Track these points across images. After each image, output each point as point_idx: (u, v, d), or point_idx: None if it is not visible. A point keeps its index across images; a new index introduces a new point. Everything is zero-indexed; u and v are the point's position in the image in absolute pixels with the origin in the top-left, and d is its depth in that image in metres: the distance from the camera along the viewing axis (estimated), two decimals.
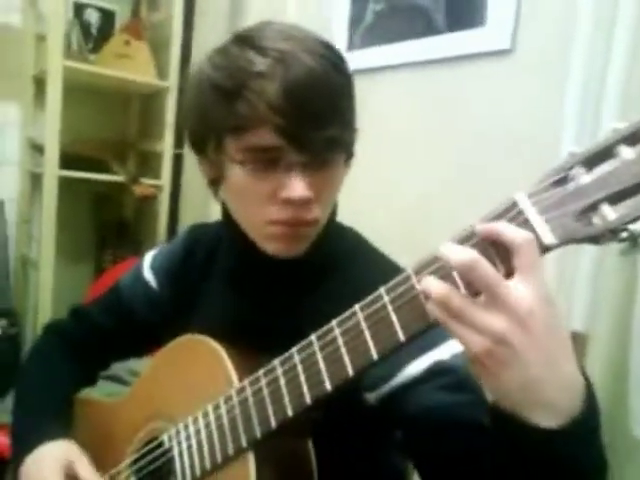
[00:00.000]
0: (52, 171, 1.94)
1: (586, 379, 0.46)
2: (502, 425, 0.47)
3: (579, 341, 0.89)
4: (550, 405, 0.44)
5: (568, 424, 0.44)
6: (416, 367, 0.63)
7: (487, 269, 0.43)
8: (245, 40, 0.64)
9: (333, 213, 0.75)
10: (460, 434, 0.58)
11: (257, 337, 0.67)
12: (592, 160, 0.44)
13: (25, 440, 0.77)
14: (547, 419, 0.44)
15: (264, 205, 0.65)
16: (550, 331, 0.43)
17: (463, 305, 0.44)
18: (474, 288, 0.45)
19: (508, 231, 0.44)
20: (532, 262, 0.43)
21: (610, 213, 0.42)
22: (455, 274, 0.46)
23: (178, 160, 2.23)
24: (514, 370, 0.43)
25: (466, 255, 0.43)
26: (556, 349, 0.44)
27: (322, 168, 0.65)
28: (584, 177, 0.44)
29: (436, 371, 0.62)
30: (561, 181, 0.45)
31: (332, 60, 0.64)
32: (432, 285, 0.45)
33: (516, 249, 0.43)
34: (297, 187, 0.62)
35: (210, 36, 2.14)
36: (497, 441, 0.49)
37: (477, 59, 1.28)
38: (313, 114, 0.62)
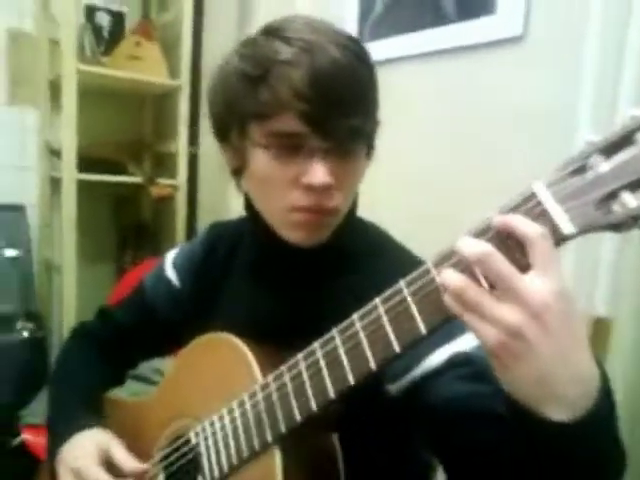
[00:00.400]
0: (70, 175, 1.96)
1: (602, 372, 0.46)
2: (516, 418, 0.47)
3: (603, 327, 0.89)
4: (563, 399, 0.44)
5: (581, 418, 0.44)
6: (437, 358, 0.63)
7: (500, 262, 0.43)
8: (271, 31, 0.66)
9: (354, 205, 0.76)
10: (479, 424, 0.58)
11: (279, 329, 0.69)
12: (610, 148, 0.43)
13: (60, 432, 0.79)
14: (560, 412, 0.44)
15: (286, 191, 0.66)
16: (565, 325, 0.43)
17: (478, 297, 0.44)
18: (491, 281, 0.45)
19: (521, 226, 0.44)
20: (546, 256, 0.43)
21: (631, 200, 0.42)
22: (476, 270, 0.46)
23: (193, 159, 2.24)
24: (528, 363, 0.43)
25: (478, 248, 0.44)
26: (571, 343, 0.43)
27: (344, 157, 0.66)
28: (603, 165, 0.43)
29: (456, 362, 0.63)
30: (579, 170, 0.44)
31: (356, 52, 0.66)
32: (449, 277, 0.46)
33: (529, 244, 0.43)
34: (319, 173, 0.64)
35: (220, 33, 2.15)
36: (513, 432, 0.49)
37: (489, 47, 1.27)
38: (337, 102, 0.63)
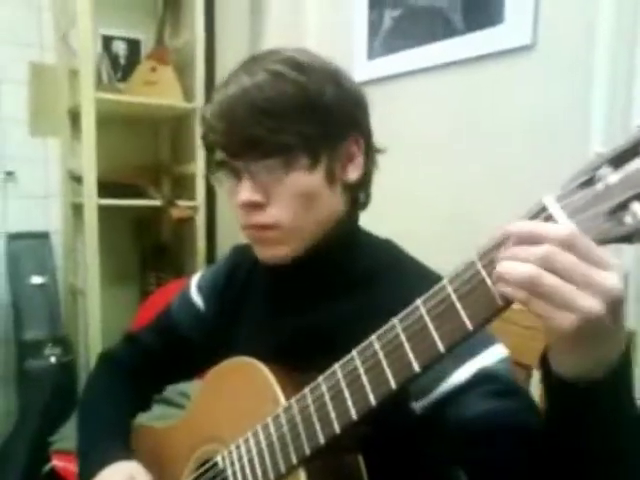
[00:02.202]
0: (91, 200, 2.00)
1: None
2: (569, 398, 0.49)
3: (629, 339, 0.87)
4: (608, 362, 0.47)
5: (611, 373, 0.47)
6: (461, 375, 0.63)
7: (587, 242, 0.43)
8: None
9: (349, 219, 0.76)
10: (508, 440, 0.58)
11: (296, 351, 0.69)
12: (619, 159, 0.43)
13: (91, 464, 0.80)
14: (599, 372, 0.47)
15: (237, 212, 0.73)
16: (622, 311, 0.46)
17: (556, 285, 0.43)
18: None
19: (548, 229, 0.44)
20: (605, 255, 0.43)
21: None
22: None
23: (211, 180, 2.26)
24: (599, 345, 0.46)
25: (567, 230, 0.43)
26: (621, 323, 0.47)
27: (271, 172, 0.69)
28: (612, 176, 0.43)
29: (481, 378, 0.62)
30: (589, 182, 0.44)
31: (282, 73, 0.68)
32: (515, 267, 0.44)
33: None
34: (241, 192, 0.70)
35: (232, 55, 2.18)
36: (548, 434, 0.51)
37: (498, 57, 1.26)
38: (236, 122, 0.68)
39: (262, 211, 0.70)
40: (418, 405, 0.66)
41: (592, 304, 0.43)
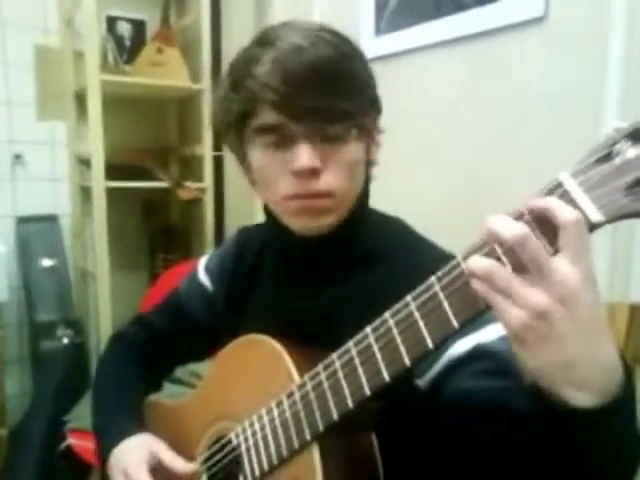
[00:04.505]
0: (99, 183, 2.00)
1: (624, 363, 0.46)
2: (539, 403, 0.47)
3: (638, 313, 0.87)
4: (586, 384, 0.44)
5: (603, 405, 0.44)
6: (459, 348, 0.63)
7: (537, 245, 0.43)
8: (254, 40, 0.71)
9: (364, 194, 0.77)
10: (496, 420, 0.57)
11: (309, 328, 0.70)
12: (638, 133, 0.43)
13: (108, 439, 0.82)
14: (583, 398, 0.44)
15: (280, 181, 0.69)
16: (592, 312, 0.43)
17: (508, 279, 0.45)
18: (519, 266, 0.45)
19: (558, 208, 0.44)
20: (579, 242, 0.43)
21: None
22: (502, 255, 0.46)
23: (219, 162, 2.27)
24: (552, 346, 0.44)
25: (519, 230, 0.44)
26: (596, 331, 0.44)
27: (329, 141, 0.68)
28: (630, 151, 0.43)
29: (476, 355, 0.62)
30: (606, 157, 0.44)
31: (331, 41, 0.68)
32: (476, 261, 0.46)
33: (563, 227, 0.43)
34: (302, 157, 0.67)
35: (238, 34, 2.17)
36: (535, 420, 0.49)
37: (510, 30, 1.24)
38: (305, 87, 0.65)
39: (317, 179, 0.68)
40: (422, 382, 0.67)
41: (536, 296, 0.43)
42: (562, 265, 0.43)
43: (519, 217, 0.46)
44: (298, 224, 0.72)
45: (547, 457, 0.49)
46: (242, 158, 0.76)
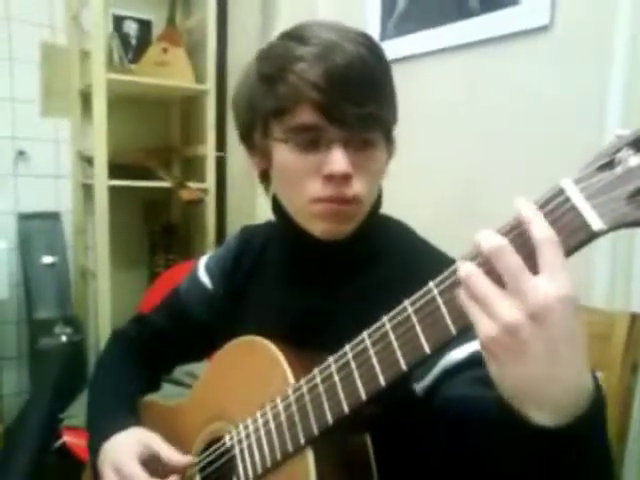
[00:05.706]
0: (102, 182, 2.00)
1: (596, 386, 0.46)
2: (502, 417, 0.47)
3: (638, 322, 0.87)
4: (548, 404, 0.44)
5: (566, 426, 0.44)
6: (455, 355, 0.63)
7: (512, 258, 0.43)
8: (287, 35, 0.69)
9: (378, 201, 0.77)
10: (485, 429, 0.55)
11: (310, 328, 0.70)
12: None
13: (101, 432, 0.81)
14: (543, 417, 0.44)
15: (307, 183, 0.68)
16: (564, 332, 0.42)
17: (485, 289, 0.44)
18: (500, 279, 0.45)
19: (534, 226, 0.43)
20: (553, 262, 0.42)
21: None
22: (481, 265, 0.46)
23: (221, 162, 2.27)
24: (518, 363, 0.43)
25: (495, 242, 0.44)
26: (568, 351, 0.43)
27: (362, 147, 0.68)
28: (633, 159, 0.42)
29: (473, 363, 0.62)
30: (608, 165, 0.43)
31: (368, 46, 0.67)
32: (462, 265, 0.46)
33: (537, 246, 0.43)
34: (338, 162, 0.65)
35: (244, 37, 2.17)
36: (501, 433, 0.49)
37: (515, 39, 1.24)
38: (350, 92, 0.64)
39: (348, 185, 0.67)
40: (419, 387, 0.66)
41: (507, 309, 0.43)
42: (539, 282, 0.42)
43: (512, 229, 0.46)
44: (320, 227, 0.71)
45: (529, 468, 0.48)
46: (264, 158, 0.74)
